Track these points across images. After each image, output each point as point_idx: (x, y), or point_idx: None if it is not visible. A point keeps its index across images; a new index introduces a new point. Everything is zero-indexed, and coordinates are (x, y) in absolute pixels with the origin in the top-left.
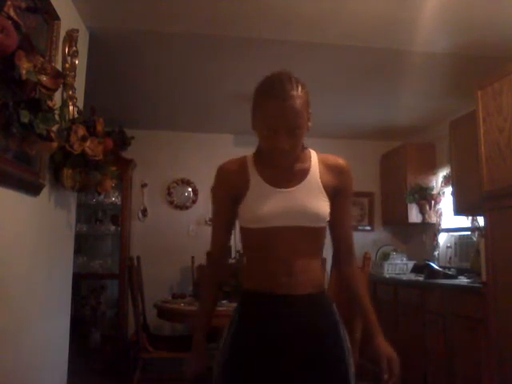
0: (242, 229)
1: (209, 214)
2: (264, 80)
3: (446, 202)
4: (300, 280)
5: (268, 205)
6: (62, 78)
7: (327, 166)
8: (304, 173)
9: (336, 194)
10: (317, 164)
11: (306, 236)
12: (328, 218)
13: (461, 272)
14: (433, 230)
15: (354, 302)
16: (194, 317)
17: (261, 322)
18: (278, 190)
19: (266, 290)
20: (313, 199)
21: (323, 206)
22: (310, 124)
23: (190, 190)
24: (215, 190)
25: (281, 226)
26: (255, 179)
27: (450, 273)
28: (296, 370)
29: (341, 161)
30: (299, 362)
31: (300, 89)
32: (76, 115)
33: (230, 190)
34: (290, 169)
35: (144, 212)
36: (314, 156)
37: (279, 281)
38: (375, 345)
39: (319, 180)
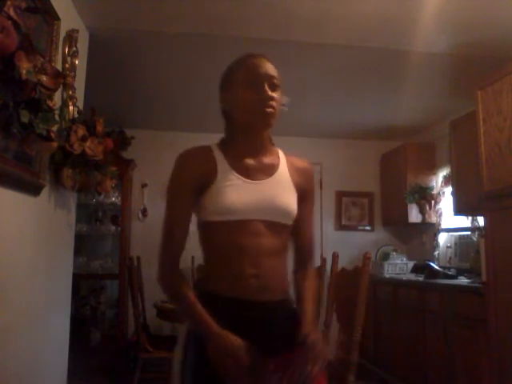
0: (203, 224)
1: None
2: (236, 58)
3: (446, 202)
4: (269, 283)
5: (237, 195)
6: (62, 77)
7: (295, 167)
8: (274, 167)
9: (303, 195)
10: (285, 162)
11: (275, 233)
12: (295, 217)
13: (461, 272)
14: (433, 229)
15: (296, 291)
16: (190, 319)
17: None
18: (248, 180)
19: (232, 293)
20: (284, 194)
21: (294, 203)
22: (283, 107)
23: None
24: (177, 180)
25: (250, 220)
26: (223, 167)
27: (449, 273)
28: None
29: (308, 164)
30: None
31: None
32: (76, 115)
33: (195, 178)
34: (260, 160)
35: (144, 212)
36: (281, 154)
37: (246, 283)
38: (302, 333)
39: (289, 177)
